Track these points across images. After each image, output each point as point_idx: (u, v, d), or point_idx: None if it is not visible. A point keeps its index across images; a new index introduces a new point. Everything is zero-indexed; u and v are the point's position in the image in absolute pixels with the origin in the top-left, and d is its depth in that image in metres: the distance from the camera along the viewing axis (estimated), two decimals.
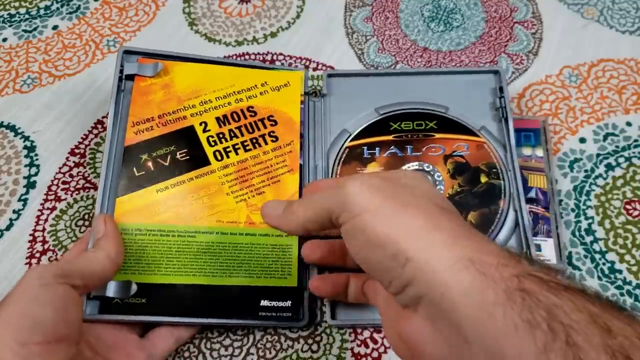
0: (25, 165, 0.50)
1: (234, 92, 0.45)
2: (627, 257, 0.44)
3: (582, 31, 0.57)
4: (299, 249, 0.40)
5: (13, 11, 0.60)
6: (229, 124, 0.44)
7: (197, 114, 0.44)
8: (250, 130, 0.44)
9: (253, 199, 0.42)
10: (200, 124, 0.44)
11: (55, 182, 0.49)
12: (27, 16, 0.59)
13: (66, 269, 0.33)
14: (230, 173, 0.43)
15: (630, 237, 0.45)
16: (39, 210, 0.47)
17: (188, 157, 0.42)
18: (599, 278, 0.43)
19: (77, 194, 0.48)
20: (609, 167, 0.49)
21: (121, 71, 0.45)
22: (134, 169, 0.42)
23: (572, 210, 0.47)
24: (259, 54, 0.56)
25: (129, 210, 0.40)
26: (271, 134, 0.44)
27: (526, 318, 0.22)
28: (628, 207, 0.47)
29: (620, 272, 0.44)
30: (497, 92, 0.48)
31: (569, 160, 0.49)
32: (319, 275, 0.39)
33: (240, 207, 0.42)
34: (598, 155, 0.49)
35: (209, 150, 0.43)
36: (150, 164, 0.42)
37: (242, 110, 0.45)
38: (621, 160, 0.49)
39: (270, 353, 0.41)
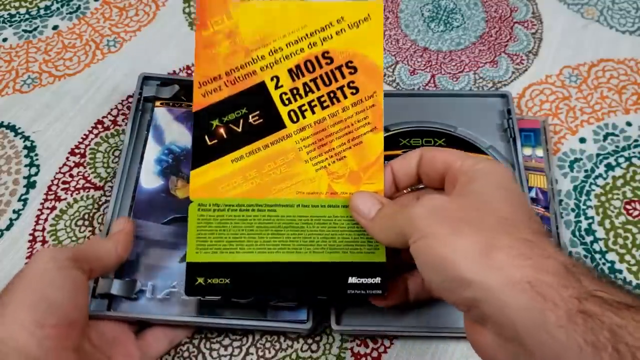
0: (25, 165, 0.50)
1: (307, 34, 0.39)
2: (627, 257, 0.44)
3: (582, 31, 0.57)
4: None
5: (13, 11, 0.60)
6: (303, 76, 0.38)
7: (267, 66, 0.38)
8: (327, 82, 0.38)
9: (334, 165, 0.38)
10: (272, 79, 0.38)
11: (55, 182, 0.49)
12: (27, 16, 0.59)
13: (76, 253, 0.34)
14: (308, 136, 0.38)
15: (631, 237, 0.45)
16: (39, 210, 0.47)
17: (261, 121, 0.38)
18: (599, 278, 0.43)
19: (77, 194, 0.48)
20: (609, 167, 0.49)
21: (140, 94, 0.47)
22: (206, 137, 0.38)
23: (572, 210, 0.47)
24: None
25: (205, 184, 0.37)
26: (350, 84, 0.38)
27: (590, 340, 0.22)
28: (628, 207, 0.47)
29: (620, 272, 0.44)
30: (505, 114, 0.48)
31: (569, 160, 0.49)
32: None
33: (320, 175, 0.38)
34: (598, 155, 0.49)
35: (283, 111, 0.38)
36: (222, 130, 0.38)
37: (316, 58, 0.38)
38: (621, 160, 0.49)
39: (269, 353, 0.41)
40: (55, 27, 0.58)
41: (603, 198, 0.47)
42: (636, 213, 0.46)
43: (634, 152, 0.49)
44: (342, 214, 0.37)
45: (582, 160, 0.49)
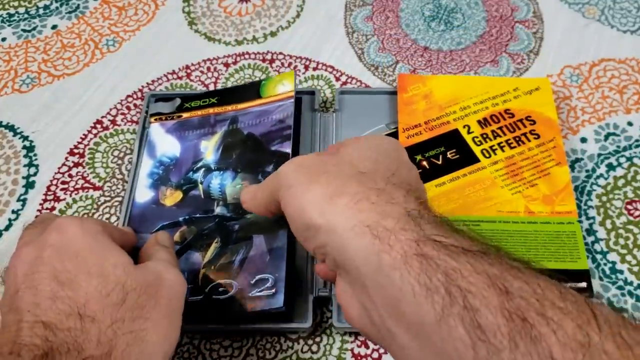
0: (24, 165, 0.49)
1: (489, 97, 0.49)
2: (629, 258, 0.44)
3: (583, 31, 0.57)
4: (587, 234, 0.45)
5: (12, 11, 0.59)
6: (490, 125, 0.48)
7: (458, 118, 0.48)
8: (511, 130, 0.47)
9: (527, 190, 0.44)
10: (464, 127, 0.48)
11: (55, 182, 0.48)
12: (26, 16, 0.59)
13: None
14: (501, 168, 0.45)
15: (632, 238, 0.45)
16: (38, 210, 0.47)
17: (458, 156, 0.46)
18: (600, 278, 0.43)
19: (76, 194, 0.48)
20: (610, 167, 0.48)
21: (146, 112, 0.50)
22: None
23: None
24: (258, 53, 0.56)
25: None
26: (532, 132, 0.47)
27: (424, 282, 0.22)
28: (629, 207, 0.46)
29: (621, 272, 0.44)
30: None
31: (570, 160, 0.49)
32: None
33: (516, 198, 0.44)
34: (599, 155, 0.49)
35: (476, 149, 0.46)
36: (425, 163, 0.46)
37: (499, 113, 0.48)
38: (622, 160, 0.49)
39: (270, 354, 0.41)
40: (54, 27, 0.58)
41: (604, 198, 0.47)
42: (637, 213, 0.46)
43: (635, 152, 0.49)
44: (542, 229, 0.42)
45: (583, 160, 0.49)
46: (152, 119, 0.49)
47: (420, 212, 0.26)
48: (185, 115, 0.49)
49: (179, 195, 0.45)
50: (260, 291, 0.39)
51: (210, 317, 0.39)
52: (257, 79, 0.54)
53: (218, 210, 0.44)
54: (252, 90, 0.49)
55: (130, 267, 0.31)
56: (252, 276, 0.40)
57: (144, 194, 0.45)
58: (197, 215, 0.44)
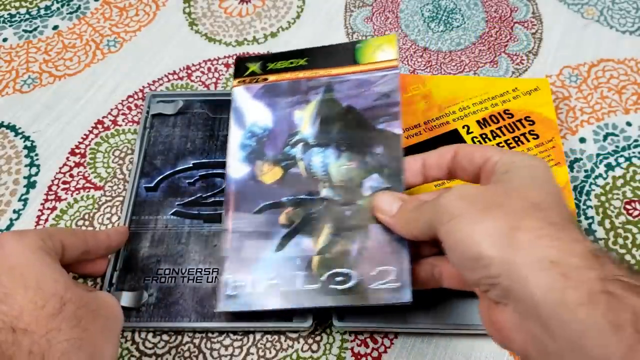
0: (26, 165, 0.50)
1: (489, 97, 0.50)
2: (628, 257, 0.44)
3: (582, 31, 0.57)
4: None
5: (13, 11, 0.60)
6: (489, 125, 0.48)
7: (458, 118, 0.48)
8: (511, 130, 0.48)
9: None
10: (463, 127, 0.48)
11: (56, 182, 0.49)
12: (27, 16, 0.59)
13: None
14: None
15: (631, 237, 0.45)
16: (39, 210, 0.47)
17: None
18: None
19: (77, 194, 0.48)
20: (609, 167, 0.49)
21: (147, 112, 0.50)
22: None
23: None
24: (259, 54, 0.56)
25: None
26: (531, 132, 0.47)
27: (611, 319, 0.23)
28: (628, 207, 0.47)
29: None
30: None
31: (569, 160, 0.49)
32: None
33: None
34: (598, 155, 0.49)
35: None
36: None
37: (499, 113, 0.49)
38: (621, 160, 0.49)
39: (270, 353, 0.41)
40: (55, 27, 0.58)
41: (603, 198, 0.47)
42: (636, 213, 0.46)
43: (633, 152, 0.49)
44: None
45: (582, 160, 0.49)
46: (236, 82, 0.45)
47: (600, 251, 0.26)
48: (271, 78, 0.44)
49: (278, 172, 0.41)
50: (383, 284, 0.37)
51: (328, 307, 0.37)
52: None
53: (324, 192, 0.40)
54: (345, 54, 0.44)
55: (70, 282, 0.32)
56: (373, 267, 0.37)
57: (238, 169, 0.42)
58: (302, 196, 0.40)
